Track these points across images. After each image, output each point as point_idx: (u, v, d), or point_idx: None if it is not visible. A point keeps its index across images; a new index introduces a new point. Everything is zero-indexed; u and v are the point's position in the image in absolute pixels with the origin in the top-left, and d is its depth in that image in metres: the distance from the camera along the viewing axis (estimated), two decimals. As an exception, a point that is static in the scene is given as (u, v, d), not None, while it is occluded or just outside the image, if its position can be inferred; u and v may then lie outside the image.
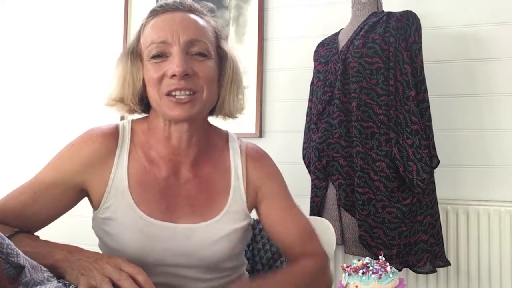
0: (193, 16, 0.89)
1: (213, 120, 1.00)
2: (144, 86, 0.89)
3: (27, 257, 0.65)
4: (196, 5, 0.92)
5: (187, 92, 0.84)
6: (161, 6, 0.89)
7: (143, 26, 0.90)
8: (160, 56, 0.85)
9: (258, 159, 0.98)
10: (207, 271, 0.89)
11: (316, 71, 1.76)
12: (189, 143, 0.92)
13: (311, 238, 0.96)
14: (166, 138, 0.91)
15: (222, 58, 0.92)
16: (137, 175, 0.89)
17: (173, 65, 0.83)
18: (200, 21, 0.89)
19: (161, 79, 0.84)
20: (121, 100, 0.91)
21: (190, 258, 0.87)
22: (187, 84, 0.83)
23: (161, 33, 0.85)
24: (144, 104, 0.93)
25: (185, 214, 0.89)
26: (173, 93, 0.84)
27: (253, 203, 0.96)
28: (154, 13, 0.89)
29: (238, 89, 0.95)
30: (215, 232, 0.88)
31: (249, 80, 2.15)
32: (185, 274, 0.88)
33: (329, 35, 1.81)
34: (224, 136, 1.00)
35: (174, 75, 0.83)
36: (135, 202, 0.87)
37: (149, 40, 0.86)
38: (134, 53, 0.89)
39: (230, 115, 0.96)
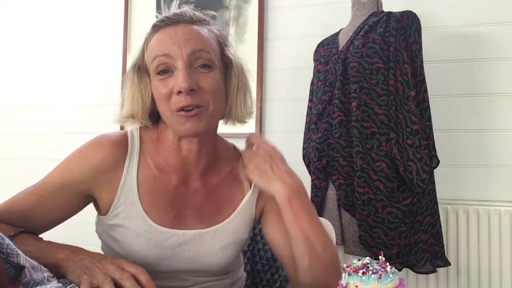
0: (195, 27, 0.87)
1: (220, 125, 0.98)
2: (153, 100, 0.89)
3: (27, 257, 0.65)
4: (198, 15, 0.90)
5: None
6: (162, 21, 0.88)
7: (146, 42, 0.90)
8: (166, 71, 0.84)
9: None
10: (209, 275, 0.91)
11: (316, 71, 1.76)
12: (199, 154, 0.91)
13: None
14: (175, 150, 0.91)
15: (227, 65, 0.91)
16: (147, 184, 0.89)
17: (178, 80, 0.82)
18: (202, 31, 0.87)
19: (169, 95, 0.84)
20: (131, 117, 0.91)
21: (196, 264, 0.88)
22: (193, 100, 0.82)
23: (163, 47, 0.84)
24: (154, 118, 0.93)
25: (193, 223, 0.89)
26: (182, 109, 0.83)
27: (259, 217, 0.96)
28: (156, 28, 0.88)
29: (245, 95, 0.93)
30: (221, 239, 0.89)
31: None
32: (188, 277, 0.89)
33: (329, 35, 1.81)
34: (230, 149, 1.00)
35: (180, 92, 0.82)
36: (145, 210, 0.87)
37: (152, 54, 0.86)
38: (140, 70, 0.89)
39: (239, 120, 0.95)
